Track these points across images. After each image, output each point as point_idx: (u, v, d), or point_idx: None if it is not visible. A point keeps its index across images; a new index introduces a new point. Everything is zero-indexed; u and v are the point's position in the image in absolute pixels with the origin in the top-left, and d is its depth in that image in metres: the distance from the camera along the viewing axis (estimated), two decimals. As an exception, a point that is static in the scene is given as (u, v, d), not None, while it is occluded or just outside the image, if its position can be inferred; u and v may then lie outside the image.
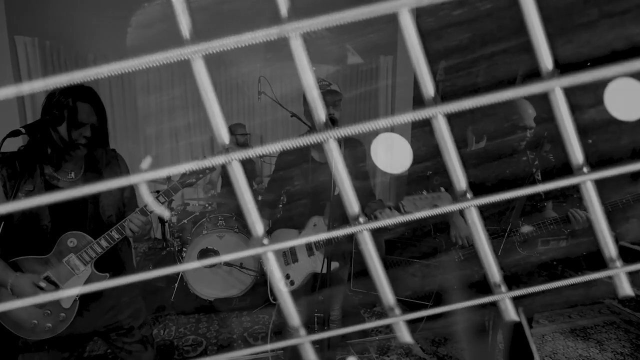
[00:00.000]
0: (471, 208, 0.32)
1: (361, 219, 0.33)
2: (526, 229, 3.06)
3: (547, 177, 3.28)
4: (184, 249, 5.61)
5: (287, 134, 8.11)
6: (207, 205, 6.05)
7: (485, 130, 3.35)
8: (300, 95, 3.48)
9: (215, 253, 5.39)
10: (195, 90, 7.46)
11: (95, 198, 2.61)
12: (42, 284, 2.39)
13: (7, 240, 2.39)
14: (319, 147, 3.26)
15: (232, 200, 6.00)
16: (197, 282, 5.49)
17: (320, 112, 0.31)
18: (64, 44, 6.62)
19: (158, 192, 2.80)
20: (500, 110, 3.28)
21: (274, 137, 8.30)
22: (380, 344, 4.73)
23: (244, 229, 5.54)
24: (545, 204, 3.33)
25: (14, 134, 2.23)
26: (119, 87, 7.20)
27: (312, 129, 3.37)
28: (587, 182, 0.31)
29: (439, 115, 0.30)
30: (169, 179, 2.81)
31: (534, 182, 3.30)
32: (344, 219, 3.05)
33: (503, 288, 0.34)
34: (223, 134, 0.32)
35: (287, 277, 3.18)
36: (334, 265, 3.11)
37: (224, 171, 6.34)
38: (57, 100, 2.38)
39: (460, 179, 0.31)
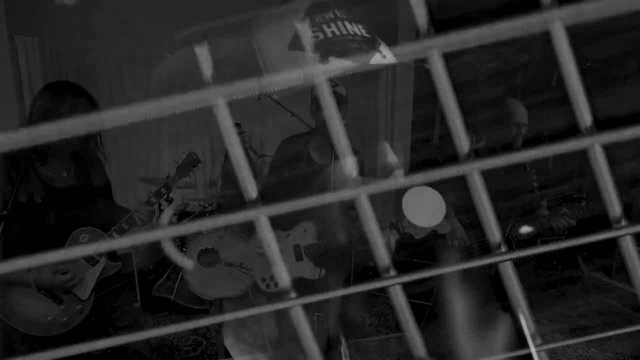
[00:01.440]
0: (506, 262, 0.31)
1: (392, 272, 0.32)
2: (525, 229, 3.05)
3: (544, 176, 3.30)
4: (183, 248, 5.60)
5: (287, 135, 8.10)
6: (207, 205, 6.03)
7: (485, 130, 3.35)
8: (301, 95, 3.43)
9: (215, 253, 5.38)
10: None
11: (93, 196, 2.64)
12: (63, 267, 2.44)
13: (13, 245, 2.40)
14: (320, 148, 3.21)
15: (234, 196, 5.99)
16: (197, 282, 5.49)
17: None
18: (64, 45, 6.61)
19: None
20: (494, 110, 3.30)
21: (275, 139, 8.29)
22: (380, 344, 4.73)
23: (244, 230, 5.53)
24: (542, 203, 3.33)
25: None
26: (118, 86, 7.19)
27: (313, 129, 3.34)
28: (626, 236, 0.30)
29: (474, 172, 0.30)
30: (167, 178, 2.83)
31: (531, 186, 3.31)
32: (335, 228, 3.01)
33: (539, 340, 0.33)
34: (250, 188, 0.31)
35: (272, 278, 3.15)
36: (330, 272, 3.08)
37: (224, 171, 6.34)
38: (57, 97, 2.39)
39: (494, 233, 0.31)
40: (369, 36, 2.31)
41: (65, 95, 2.42)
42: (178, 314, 5.39)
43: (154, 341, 4.79)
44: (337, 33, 2.17)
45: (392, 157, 3.21)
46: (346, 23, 2.26)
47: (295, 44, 2.14)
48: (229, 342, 4.12)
